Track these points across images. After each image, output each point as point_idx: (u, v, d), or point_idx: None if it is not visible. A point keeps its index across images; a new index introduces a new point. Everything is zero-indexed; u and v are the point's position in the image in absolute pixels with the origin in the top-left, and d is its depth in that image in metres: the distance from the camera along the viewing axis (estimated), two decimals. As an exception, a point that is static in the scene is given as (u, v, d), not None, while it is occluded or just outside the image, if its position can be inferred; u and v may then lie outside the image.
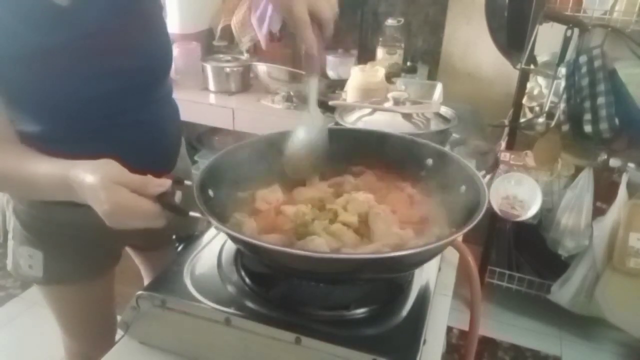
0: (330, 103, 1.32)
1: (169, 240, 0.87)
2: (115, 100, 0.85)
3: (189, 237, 0.84)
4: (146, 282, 1.26)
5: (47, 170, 0.72)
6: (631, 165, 1.65)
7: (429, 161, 0.86)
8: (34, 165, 0.74)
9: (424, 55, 2.27)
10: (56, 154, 0.75)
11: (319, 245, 0.68)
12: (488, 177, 1.75)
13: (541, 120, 1.76)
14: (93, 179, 0.65)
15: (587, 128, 1.59)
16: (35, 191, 0.78)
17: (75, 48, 0.77)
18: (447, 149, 0.89)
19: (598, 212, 1.76)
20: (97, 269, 1.04)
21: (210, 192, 0.73)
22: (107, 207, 0.63)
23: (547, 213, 1.86)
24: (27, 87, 0.77)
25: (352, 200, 0.78)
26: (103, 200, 0.63)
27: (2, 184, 0.80)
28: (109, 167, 0.66)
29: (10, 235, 1.01)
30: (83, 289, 1.04)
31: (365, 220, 0.75)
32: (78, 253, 0.98)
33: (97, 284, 1.05)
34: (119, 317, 0.74)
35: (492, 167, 1.78)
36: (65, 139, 0.82)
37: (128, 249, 1.19)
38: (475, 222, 0.63)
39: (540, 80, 1.83)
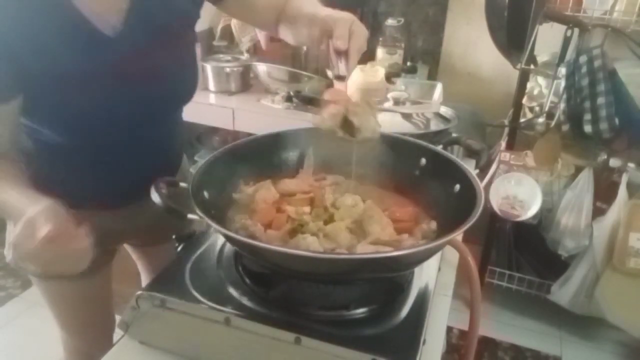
0: (330, 103, 1.31)
1: (167, 236, 0.88)
2: (138, 120, 0.88)
3: (189, 237, 0.84)
4: (143, 278, 1.27)
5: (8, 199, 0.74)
6: (631, 165, 1.65)
7: (423, 161, 0.86)
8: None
9: (424, 55, 2.27)
10: (65, 159, 0.82)
11: (311, 243, 0.68)
12: (487, 177, 1.75)
13: (541, 120, 1.76)
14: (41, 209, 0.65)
15: (587, 128, 1.59)
16: None
17: (111, 73, 0.80)
18: (440, 148, 0.89)
19: (598, 212, 1.76)
20: (93, 265, 1.04)
21: (205, 194, 0.73)
22: (50, 227, 0.62)
23: (547, 213, 1.86)
24: (57, 104, 0.80)
25: (341, 205, 0.78)
26: (44, 222, 0.63)
27: None
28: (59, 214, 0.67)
29: (9, 228, 1.00)
30: (80, 285, 1.04)
31: (359, 221, 0.75)
32: None
33: (94, 279, 1.06)
34: (118, 317, 0.74)
35: (487, 165, 1.78)
36: (80, 149, 0.86)
37: (126, 246, 1.20)
38: (472, 221, 0.63)
39: (540, 80, 1.83)
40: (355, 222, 0.75)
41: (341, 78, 0.79)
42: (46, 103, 0.80)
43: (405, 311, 0.70)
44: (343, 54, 0.79)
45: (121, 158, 0.81)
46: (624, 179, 1.67)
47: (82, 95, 0.79)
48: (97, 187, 0.92)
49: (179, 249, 0.83)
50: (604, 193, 1.76)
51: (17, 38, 0.72)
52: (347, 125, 0.76)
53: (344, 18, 0.81)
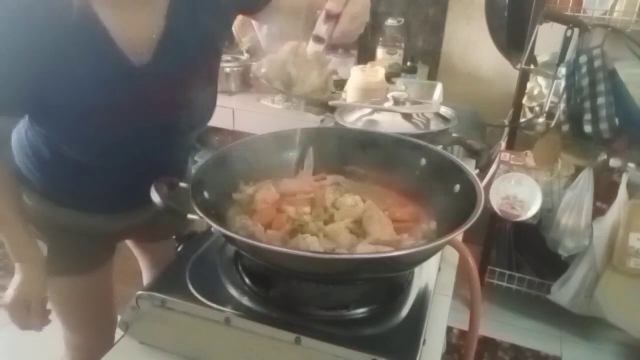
0: (330, 103, 1.32)
1: (167, 233, 0.88)
2: (154, 144, 0.88)
3: (189, 237, 0.84)
4: (145, 274, 1.28)
5: (14, 234, 0.87)
6: (631, 165, 1.65)
7: (423, 161, 0.86)
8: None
9: (424, 55, 2.27)
10: (78, 171, 0.87)
11: (311, 243, 0.68)
12: (487, 177, 1.75)
13: (541, 120, 1.76)
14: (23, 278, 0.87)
15: (587, 128, 1.59)
16: None
17: (133, 103, 0.80)
18: (440, 148, 0.89)
19: (598, 212, 1.76)
20: (95, 261, 1.06)
21: (205, 194, 0.73)
22: (14, 294, 0.86)
23: (547, 213, 1.86)
24: (77, 127, 0.80)
25: (341, 205, 0.78)
26: (12, 291, 0.87)
27: None
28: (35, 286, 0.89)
29: None
30: (81, 281, 1.05)
31: (359, 221, 0.75)
32: (77, 246, 1.00)
33: (95, 276, 1.07)
34: (119, 317, 0.74)
35: (487, 165, 1.78)
36: (94, 164, 0.87)
37: (127, 242, 1.21)
38: (473, 221, 0.63)
39: (540, 80, 1.83)
40: (355, 222, 0.75)
41: (319, 40, 0.74)
42: (67, 125, 0.80)
43: (405, 311, 0.70)
44: (334, 17, 0.74)
45: (132, 173, 0.81)
46: (624, 179, 1.67)
47: (102, 122, 0.79)
48: (105, 196, 0.94)
49: (179, 249, 0.83)
50: (604, 193, 1.76)
51: (40, 52, 0.71)
52: (287, 77, 0.69)
53: None
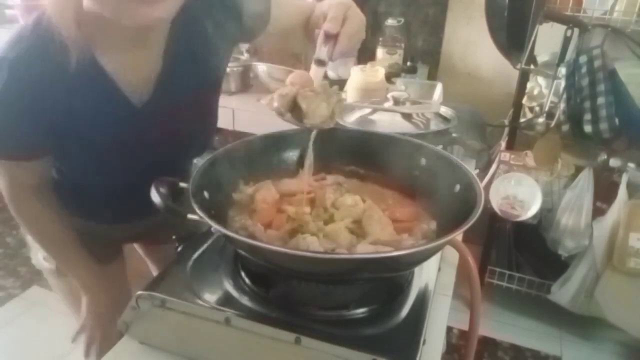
0: (330, 103, 1.31)
1: (170, 238, 0.90)
2: (155, 170, 0.89)
3: (189, 237, 0.84)
4: (155, 274, 1.29)
5: (80, 264, 0.97)
6: (631, 165, 1.65)
7: (422, 160, 0.86)
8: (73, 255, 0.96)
9: (424, 55, 2.27)
10: (81, 191, 0.92)
11: (311, 243, 0.68)
12: (487, 177, 1.75)
13: (541, 120, 1.76)
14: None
15: (587, 128, 1.59)
16: (58, 259, 0.99)
17: (135, 140, 0.83)
18: (440, 148, 0.89)
19: (598, 212, 1.76)
20: (102, 258, 1.08)
21: (205, 194, 0.73)
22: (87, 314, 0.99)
23: (547, 213, 1.86)
24: (80, 159, 0.85)
25: (341, 205, 0.78)
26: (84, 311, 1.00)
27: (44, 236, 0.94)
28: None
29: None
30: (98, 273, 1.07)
31: (359, 221, 0.75)
32: (86, 247, 1.02)
33: (106, 270, 1.07)
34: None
35: (487, 165, 1.78)
36: (97, 187, 0.93)
37: (135, 245, 1.24)
38: (473, 221, 0.63)
39: (540, 80, 1.83)
40: (355, 222, 0.75)
41: (321, 63, 0.75)
42: (74, 157, 0.84)
43: (405, 311, 0.70)
44: (332, 38, 0.75)
45: (135, 192, 0.82)
46: (624, 179, 1.67)
47: (107, 155, 0.83)
48: (107, 210, 0.99)
49: (179, 249, 0.83)
50: (604, 193, 1.76)
51: (54, 105, 0.74)
52: (297, 109, 0.71)
53: (342, 2, 0.77)
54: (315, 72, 0.76)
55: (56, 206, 0.91)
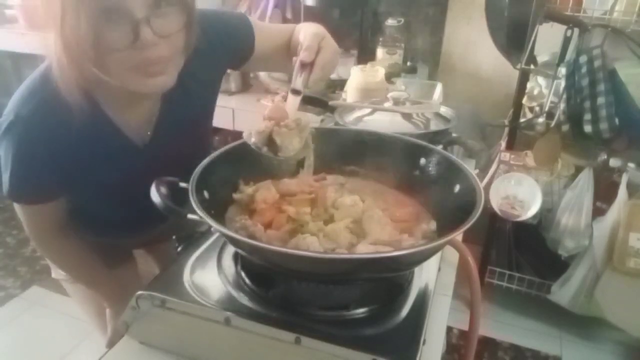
0: (330, 103, 1.32)
1: (170, 236, 0.92)
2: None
3: (189, 237, 0.84)
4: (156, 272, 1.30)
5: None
6: (631, 165, 1.65)
7: (422, 160, 0.86)
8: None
9: (424, 55, 2.27)
10: (86, 214, 0.96)
11: (311, 243, 0.68)
12: (487, 177, 1.75)
13: (541, 120, 1.76)
14: None
15: (587, 128, 1.59)
16: (83, 281, 1.07)
17: (137, 177, 0.84)
18: (440, 148, 0.89)
19: (598, 212, 1.76)
20: (112, 262, 1.12)
21: (205, 194, 0.73)
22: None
23: (547, 213, 1.86)
24: (85, 195, 0.92)
25: (341, 205, 0.78)
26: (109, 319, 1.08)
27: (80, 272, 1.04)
28: None
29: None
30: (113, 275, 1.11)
31: (359, 221, 0.75)
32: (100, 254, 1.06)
33: (121, 281, 1.11)
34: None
35: (487, 165, 1.78)
36: (100, 212, 0.99)
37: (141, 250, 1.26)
38: (473, 221, 0.63)
39: (540, 80, 1.83)
40: (355, 222, 0.75)
41: (296, 92, 0.79)
42: (84, 192, 0.90)
43: (405, 311, 0.70)
44: (307, 67, 0.80)
45: (142, 216, 0.87)
46: (624, 179, 1.67)
47: (114, 189, 0.90)
48: (118, 231, 1.05)
49: (179, 249, 0.84)
50: (604, 193, 1.76)
51: (65, 152, 0.81)
52: (273, 143, 0.77)
53: (316, 33, 0.83)
54: (291, 101, 0.80)
55: (75, 238, 0.98)
